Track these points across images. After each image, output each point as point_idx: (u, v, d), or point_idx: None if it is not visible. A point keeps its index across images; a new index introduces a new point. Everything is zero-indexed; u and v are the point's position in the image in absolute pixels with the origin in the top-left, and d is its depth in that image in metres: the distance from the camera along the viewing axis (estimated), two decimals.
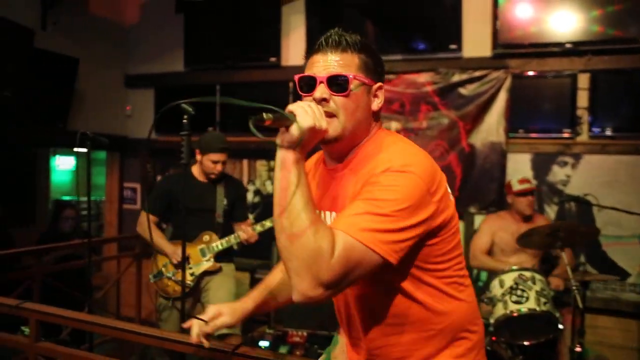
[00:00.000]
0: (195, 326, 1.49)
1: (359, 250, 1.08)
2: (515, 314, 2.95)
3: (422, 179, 1.15)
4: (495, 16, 4.05)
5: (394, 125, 4.39)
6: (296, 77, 1.29)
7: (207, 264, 3.30)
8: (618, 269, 3.80)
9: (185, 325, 1.54)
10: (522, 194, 3.55)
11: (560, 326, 3.02)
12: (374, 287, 1.27)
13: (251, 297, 1.56)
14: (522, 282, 3.01)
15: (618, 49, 3.77)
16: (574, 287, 2.80)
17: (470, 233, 4.21)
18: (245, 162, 5.04)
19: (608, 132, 3.85)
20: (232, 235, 3.32)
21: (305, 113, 1.15)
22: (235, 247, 3.40)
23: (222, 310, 1.50)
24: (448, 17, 4.23)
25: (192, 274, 3.27)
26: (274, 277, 1.60)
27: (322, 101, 1.23)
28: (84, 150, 2.97)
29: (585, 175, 3.91)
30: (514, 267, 3.17)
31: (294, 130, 1.13)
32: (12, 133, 2.50)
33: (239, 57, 4.94)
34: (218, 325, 1.48)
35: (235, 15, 4.94)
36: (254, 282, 4.52)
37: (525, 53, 4.02)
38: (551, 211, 3.99)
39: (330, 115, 1.24)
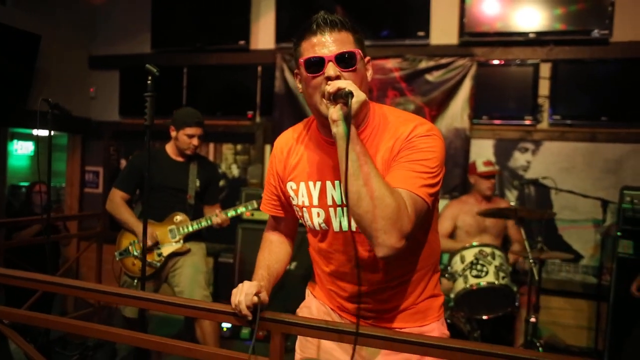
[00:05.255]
0: (249, 295, 1.36)
1: (420, 202, 1.27)
2: (474, 288, 3.02)
3: (442, 139, 1.40)
4: (462, 5, 4.15)
5: None
6: (302, 60, 1.37)
7: (175, 245, 3.18)
8: (572, 252, 3.95)
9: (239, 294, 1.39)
10: (486, 176, 3.65)
11: (517, 303, 3.11)
12: None
13: (264, 278, 1.51)
14: (483, 258, 3.09)
15: (578, 40, 3.92)
16: (531, 261, 2.90)
17: None
18: (211, 145, 5.00)
19: (567, 120, 3.99)
20: (204, 218, 3.22)
21: (356, 89, 1.25)
22: (203, 231, 3.32)
23: (260, 288, 1.40)
24: (417, 5, 4.30)
25: (159, 255, 3.16)
26: (269, 257, 1.61)
27: (335, 79, 1.32)
28: (45, 131, 2.88)
29: (545, 161, 4.05)
30: (475, 243, 3.25)
31: (355, 104, 1.23)
32: None
33: (208, 40, 4.90)
34: (262, 300, 1.38)
35: None
36: (218, 266, 4.48)
37: (490, 41, 4.13)
38: (511, 195, 4.11)
39: None
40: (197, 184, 3.26)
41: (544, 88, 4.06)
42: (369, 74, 1.45)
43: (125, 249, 3.19)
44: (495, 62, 4.15)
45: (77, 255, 4.29)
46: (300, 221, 1.63)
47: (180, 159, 3.24)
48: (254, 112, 4.82)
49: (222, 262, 4.50)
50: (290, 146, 1.58)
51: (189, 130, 3.14)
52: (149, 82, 2.17)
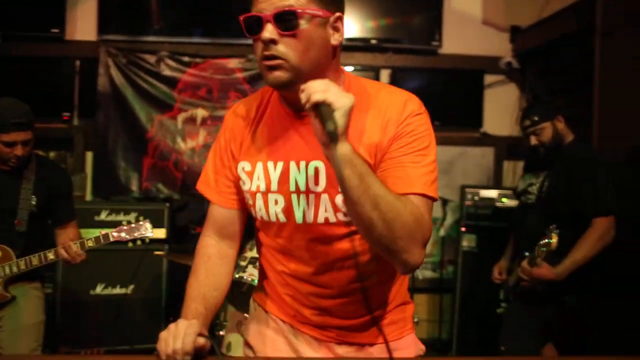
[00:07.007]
0: (190, 335, 1.05)
1: (432, 204, 1.12)
2: None
3: (428, 115, 1.20)
4: None
5: (200, 112, 4.10)
6: (241, 18, 1.12)
7: None
8: None
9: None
10: None
11: None
12: None
13: (199, 315, 1.18)
14: None
15: (413, 49, 4.18)
16: None
17: None
18: (52, 154, 4.09)
19: None
20: (43, 253, 2.36)
21: (337, 95, 0.97)
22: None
23: (200, 329, 1.10)
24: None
25: None
26: (206, 281, 1.26)
27: (270, 43, 1.08)
28: None
29: None
30: None
31: (340, 118, 0.97)
32: None
33: (13, 27, 4.02)
34: (201, 344, 1.08)
35: None
36: None
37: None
38: None
39: (280, 59, 1.09)
40: (34, 201, 2.43)
41: None
42: (335, 37, 1.14)
43: None
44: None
45: None
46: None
47: (8, 167, 2.39)
48: (71, 114, 4.07)
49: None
50: (251, 119, 1.28)
51: (6, 137, 2.27)
52: None
